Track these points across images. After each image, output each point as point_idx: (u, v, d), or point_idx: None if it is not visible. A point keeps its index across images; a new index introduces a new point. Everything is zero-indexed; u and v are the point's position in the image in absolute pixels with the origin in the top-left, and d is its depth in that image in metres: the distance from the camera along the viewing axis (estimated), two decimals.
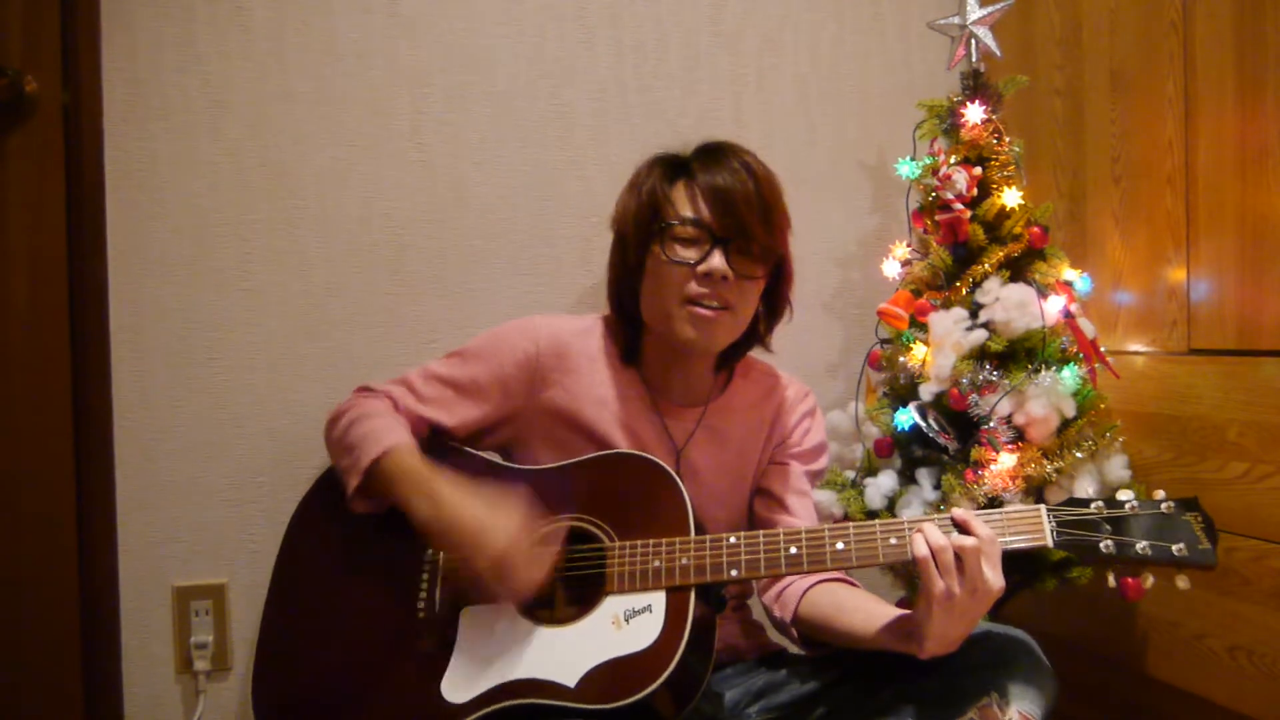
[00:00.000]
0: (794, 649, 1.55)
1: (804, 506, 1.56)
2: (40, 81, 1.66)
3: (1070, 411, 1.64)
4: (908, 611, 1.30)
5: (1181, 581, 1.25)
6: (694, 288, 1.41)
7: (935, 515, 1.29)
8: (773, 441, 1.58)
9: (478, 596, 1.32)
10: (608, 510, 1.37)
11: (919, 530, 1.23)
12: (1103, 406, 1.70)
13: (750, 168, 1.45)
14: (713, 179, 1.43)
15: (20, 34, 1.66)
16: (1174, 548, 1.23)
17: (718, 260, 1.40)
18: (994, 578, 1.19)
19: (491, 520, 1.29)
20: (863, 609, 1.36)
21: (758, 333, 1.55)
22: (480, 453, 1.50)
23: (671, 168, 1.48)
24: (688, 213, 1.43)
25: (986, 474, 1.60)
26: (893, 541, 1.27)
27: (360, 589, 1.40)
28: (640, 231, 1.46)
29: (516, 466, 1.48)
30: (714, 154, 1.46)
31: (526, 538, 1.29)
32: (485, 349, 1.52)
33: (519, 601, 1.31)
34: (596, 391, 1.50)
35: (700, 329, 1.43)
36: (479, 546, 1.27)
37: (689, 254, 1.42)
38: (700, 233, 1.42)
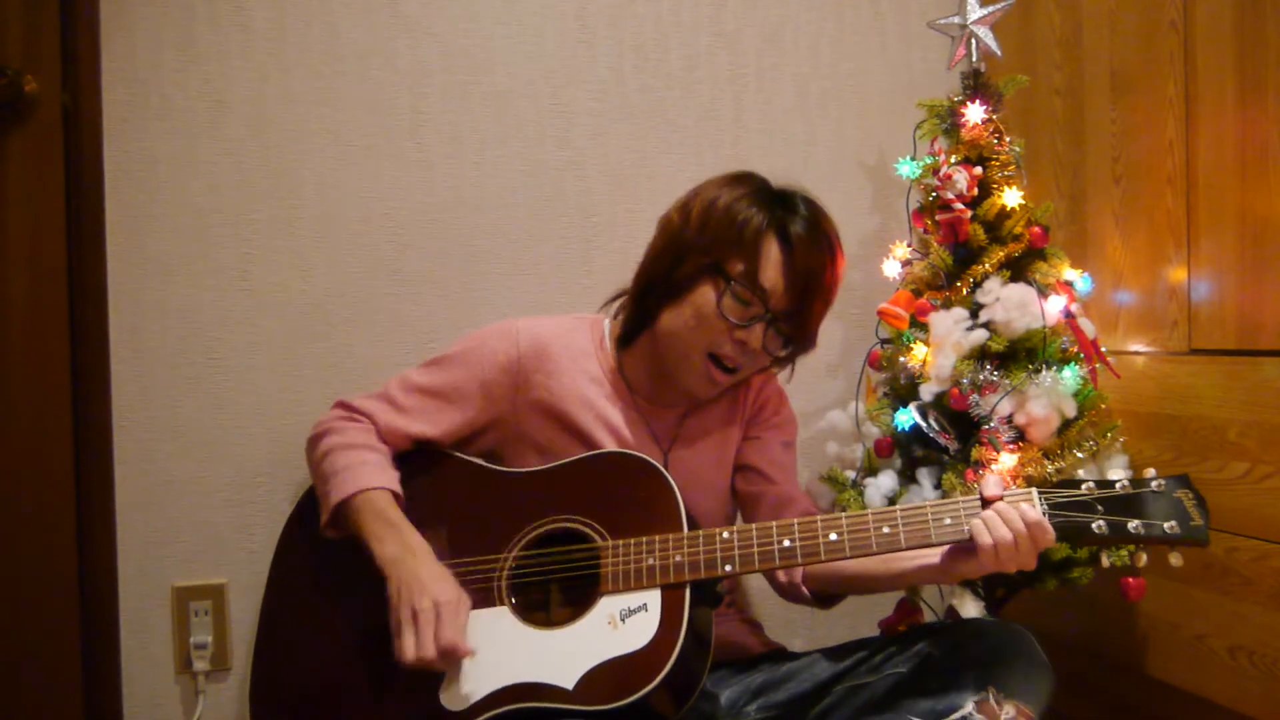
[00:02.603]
0: (796, 644, 1.55)
1: (785, 474, 1.56)
2: (40, 81, 1.66)
3: (1071, 411, 1.64)
4: (929, 557, 1.32)
5: (1174, 558, 1.27)
6: (724, 344, 1.41)
7: (963, 498, 1.30)
8: (746, 416, 1.58)
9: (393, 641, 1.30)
10: (599, 510, 1.37)
11: (980, 516, 1.25)
12: (1103, 406, 1.69)
13: (836, 250, 1.44)
14: (809, 259, 1.40)
15: (20, 34, 1.66)
16: (1166, 525, 1.24)
17: (756, 335, 1.40)
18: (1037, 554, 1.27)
19: (426, 579, 1.30)
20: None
21: None
22: (469, 458, 1.50)
23: (770, 210, 1.42)
24: (767, 280, 1.40)
25: (987, 474, 1.60)
26: (885, 531, 1.27)
27: (355, 597, 1.40)
28: (710, 255, 1.41)
29: (506, 470, 1.48)
30: (810, 218, 1.42)
31: (448, 606, 1.28)
32: (465, 354, 1.51)
33: (411, 660, 1.26)
34: (580, 391, 1.50)
35: (704, 388, 1.46)
36: (402, 597, 1.29)
37: (737, 313, 1.40)
38: (759, 300, 1.40)
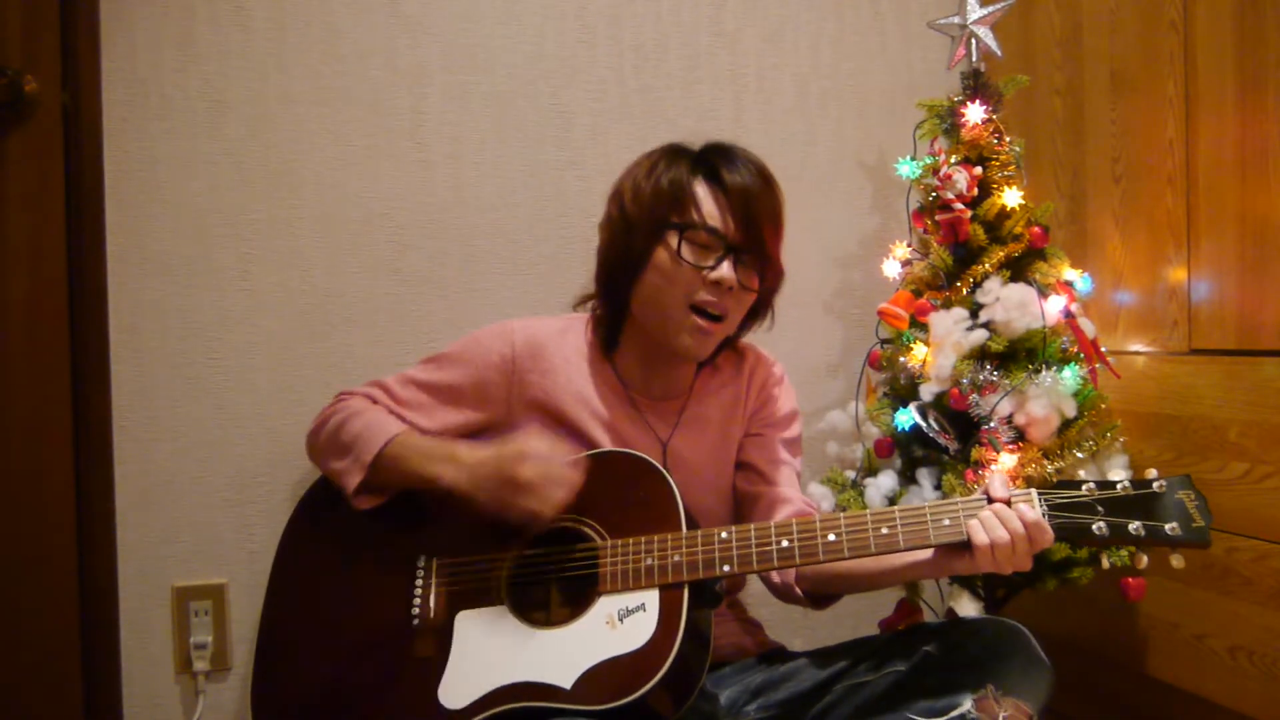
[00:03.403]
0: (796, 643, 1.55)
1: (784, 474, 1.56)
2: (40, 81, 1.66)
3: (1071, 412, 1.64)
4: (923, 553, 1.32)
5: (1176, 560, 1.26)
6: (701, 293, 1.41)
7: (962, 499, 1.30)
8: (748, 413, 1.58)
9: (518, 524, 1.33)
10: (599, 510, 1.37)
11: (977, 516, 1.25)
12: (1103, 406, 1.69)
13: (768, 176, 1.45)
14: (741, 186, 1.42)
15: (20, 34, 1.66)
16: (1167, 527, 1.22)
17: (727, 270, 1.41)
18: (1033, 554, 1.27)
19: (511, 448, 1.34)
20: None
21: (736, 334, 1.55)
22: None
23: (690, 161, 1.46)
24: (711, 218, 1.41)
25: (987, 474, 1.60)
26: (883, 532, 1.27)
27: (355, 596, 1.40)
28: (653, 220, 1.43)
29: None
30: (731, 155, 1.45)
31: (547, 450, 1.34)
32: (462, 354, 1.52)
33: (559, 508, 1.32)
34: (576, 390, 1.50)
35: (697, 341, 1.45)
36: (510, 470, 1.31)
37: (702, 258, 1.41)
38: (714, 239, 1.41)
